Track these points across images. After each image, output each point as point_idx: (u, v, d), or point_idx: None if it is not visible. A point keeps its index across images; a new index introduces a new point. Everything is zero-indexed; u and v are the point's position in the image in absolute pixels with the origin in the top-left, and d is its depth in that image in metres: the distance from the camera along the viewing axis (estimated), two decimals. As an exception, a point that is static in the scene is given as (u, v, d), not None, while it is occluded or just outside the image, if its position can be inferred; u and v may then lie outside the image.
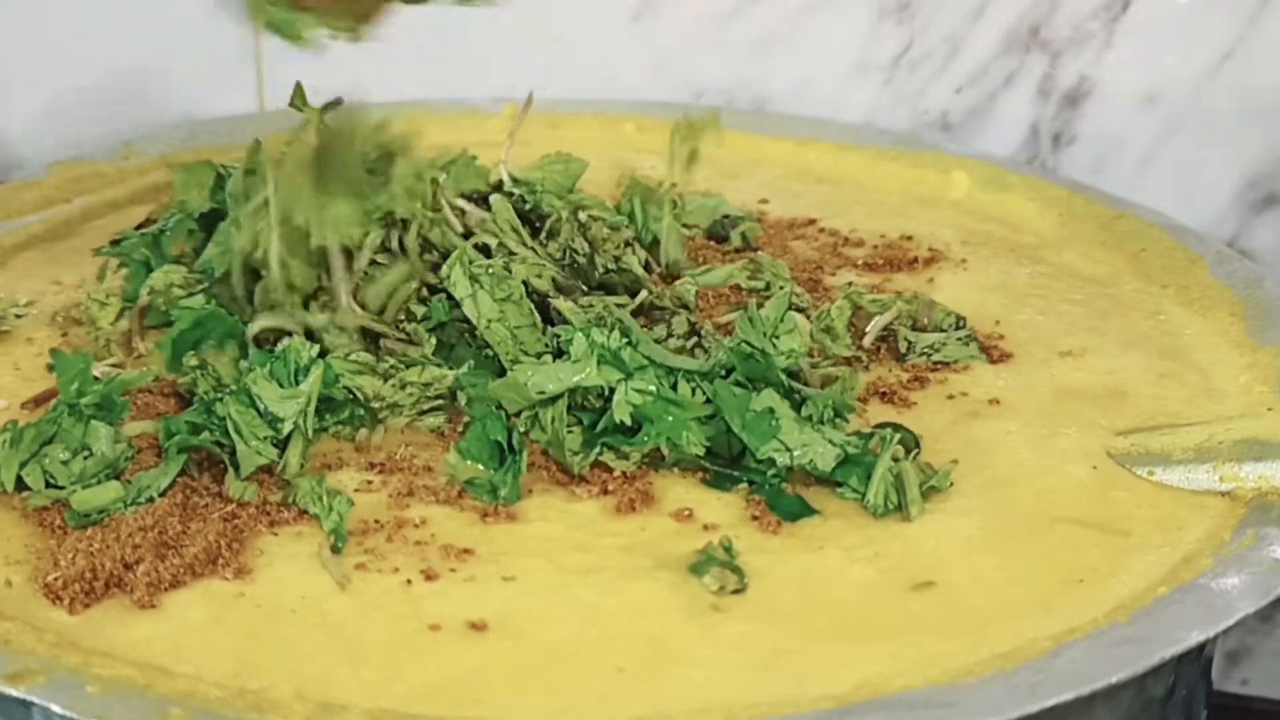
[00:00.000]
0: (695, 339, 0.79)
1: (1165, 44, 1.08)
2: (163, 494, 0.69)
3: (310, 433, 0.72)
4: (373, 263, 0.80)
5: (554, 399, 0.72)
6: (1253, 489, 0.72)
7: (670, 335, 0.79)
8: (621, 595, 0.65)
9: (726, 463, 0.72)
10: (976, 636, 0.63)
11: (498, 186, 0.88)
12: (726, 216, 0.96)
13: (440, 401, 0.76)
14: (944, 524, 0.70)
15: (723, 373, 0.73)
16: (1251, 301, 0.88)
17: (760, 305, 0.75)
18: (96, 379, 0.72)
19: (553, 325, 0.78)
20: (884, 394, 0.79)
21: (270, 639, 0.62)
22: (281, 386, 0.72)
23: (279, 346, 0.74)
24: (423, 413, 0.76)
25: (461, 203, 0.83)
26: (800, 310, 0.84)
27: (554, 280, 0.80)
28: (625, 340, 0.72)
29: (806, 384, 0.75)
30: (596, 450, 0.72)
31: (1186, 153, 1.09)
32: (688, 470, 0.73)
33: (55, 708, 0.57)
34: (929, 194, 1.05)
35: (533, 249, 0.82)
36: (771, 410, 0.70)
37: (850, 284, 0.88)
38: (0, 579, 0.65)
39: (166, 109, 1.14)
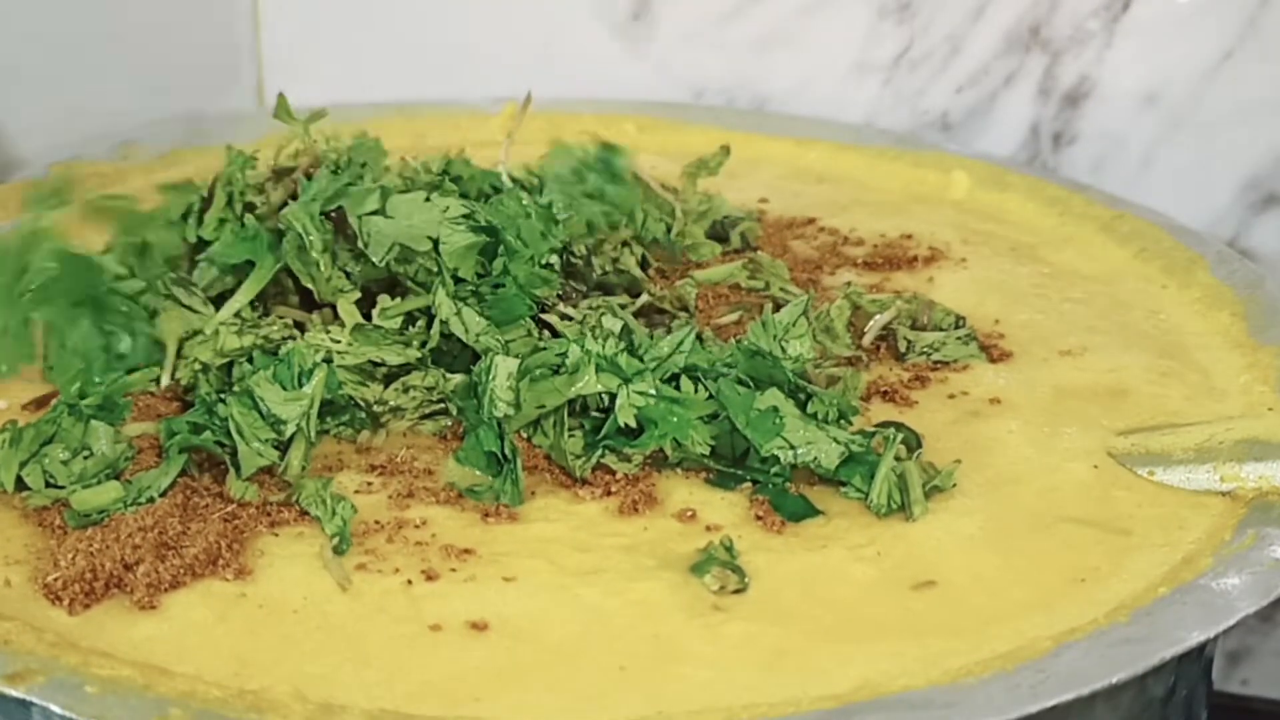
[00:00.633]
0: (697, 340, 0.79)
1: (1165, 44, 1.08)
2: (163, 494, 0.69)
3: (313, 435, 0.72)
4: None
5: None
6: (1253, 489, 0.72)
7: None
8: (623, 595, 0.65)
9: (730, 462, 0.72)
10: (978, 636, 0.63)
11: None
12: (726, 217, 0.96)
13: (443, 405, 0.76)
14: (945, 523, 0.70)
15: (724, 370, 0.73)
16: (1252, 301, 0.88)
17: (761, 307, 0.75)
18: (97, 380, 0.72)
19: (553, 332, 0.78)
20: (885, 393, 0.79)
21: (271, 639, 0.62)
22: (284, 389, 0.72)
23: (281, 349, 0.74)
24: (425, 416, 0.76)
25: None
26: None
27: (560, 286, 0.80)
28: (622, 346, 0.72)
29: (810, 384, 0.75)
30: (598, 453, 0.72)
31: (1186, 153, 1.09)
32: (691, 471, 0.73)
33: (55, 708, 0.57)
34: (929, 194, 1.05)
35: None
36: (776, 409, 0.71)
37: (849, 283, 0.88)
38: (0, 579, 0.65)
39: (166, 109, 1.14)
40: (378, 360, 0.76)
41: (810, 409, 0.72)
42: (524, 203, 0.80)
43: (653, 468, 0.73)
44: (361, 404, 0.75)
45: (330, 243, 0.78)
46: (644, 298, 0.82)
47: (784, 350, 0.74)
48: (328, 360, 0.74)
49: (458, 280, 0.77)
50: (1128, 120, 1.10)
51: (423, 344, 0.76)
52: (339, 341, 0.75)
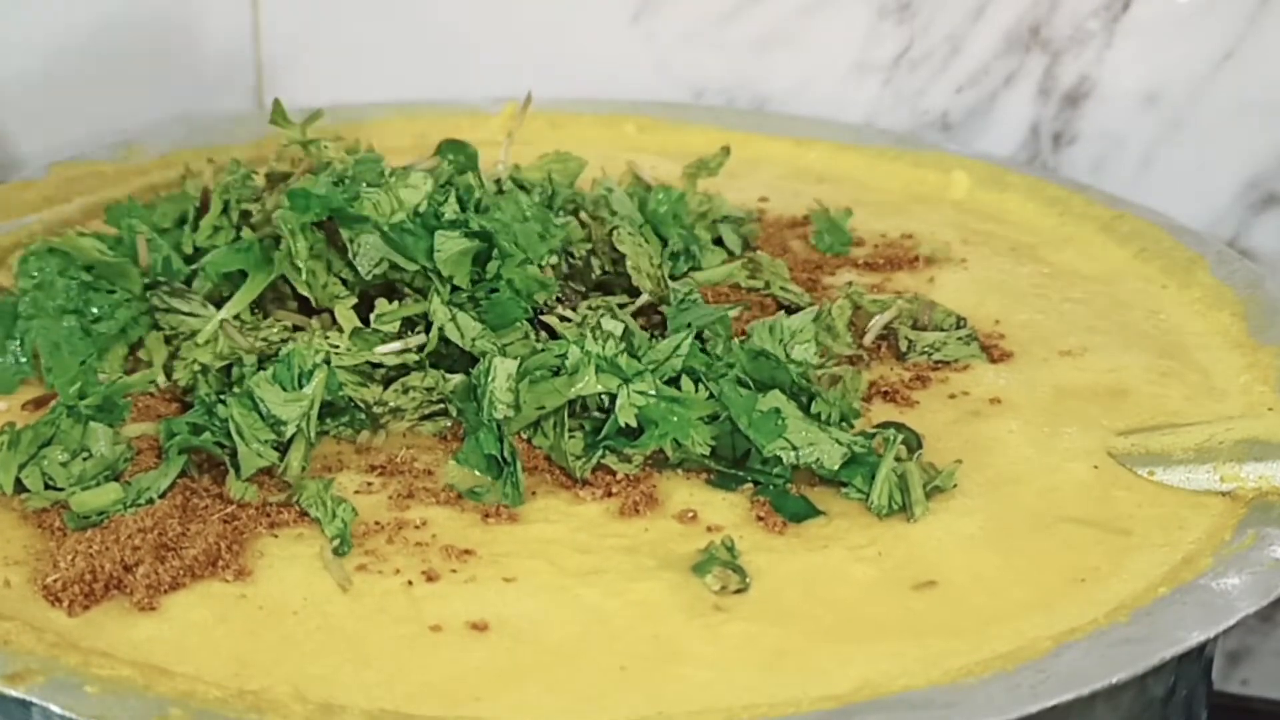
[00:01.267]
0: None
1: (1165, 44, 1.08)
2: (162, 495, 0.69)
3: (313, 436, 0.72)
4: None
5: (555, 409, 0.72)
6: (1253, 489, 0.72)
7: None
8: (623, 595, 0.65)
9: (730, 463, 0.72)
10: (978, 636, 0.63)
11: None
12: (726, 217, 0.96)
13: (442, 405, 0.76)
14: (946, 523, 0.70)
15: (725, 371, 0.73)
16: (1252, 301, 0.88)
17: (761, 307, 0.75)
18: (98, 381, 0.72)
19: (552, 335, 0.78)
20: (886, 393, 0.79)
21: (272, 640, 0.62)
22: (284, 390, 0.72)
23: (281, 350, 0.74)
24: (424, 417, 0.76)
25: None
26: (799, 310, 0.84)
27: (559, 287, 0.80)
28: (622, 347, 0.72)
29: (812, 384, 0.75)
30: (599, 454, 0.72)
31: (1186, 153, 1.09)
32: (691, 472, 0.73)
33: (55, 708, 0.57)
34: (929, 194, 1.05)
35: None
36: (778, 410, 0.71)
37: (850, 283, 0.88)
38: (0, 580, 0.65)
39: (166, 109, 1.14)
40: (376, 362, 0.76)
41: (814, 409, 0.72)
42: (522, 205, 0.80)
43: (653, 469, 0.73)
44: (361, 405, 0.75)
45: (323, 250, 0.78)
46: (644, 298, 0.82)
47: (788, 354, 0.74)
48: (327, 361, 0.74)
49: (453, 288, 0.77)
50: (1128, 120, 1.10)
51: (420, 348, 0.76)
52: (337, 347, 0.75)
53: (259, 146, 1.01)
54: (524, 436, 0.74)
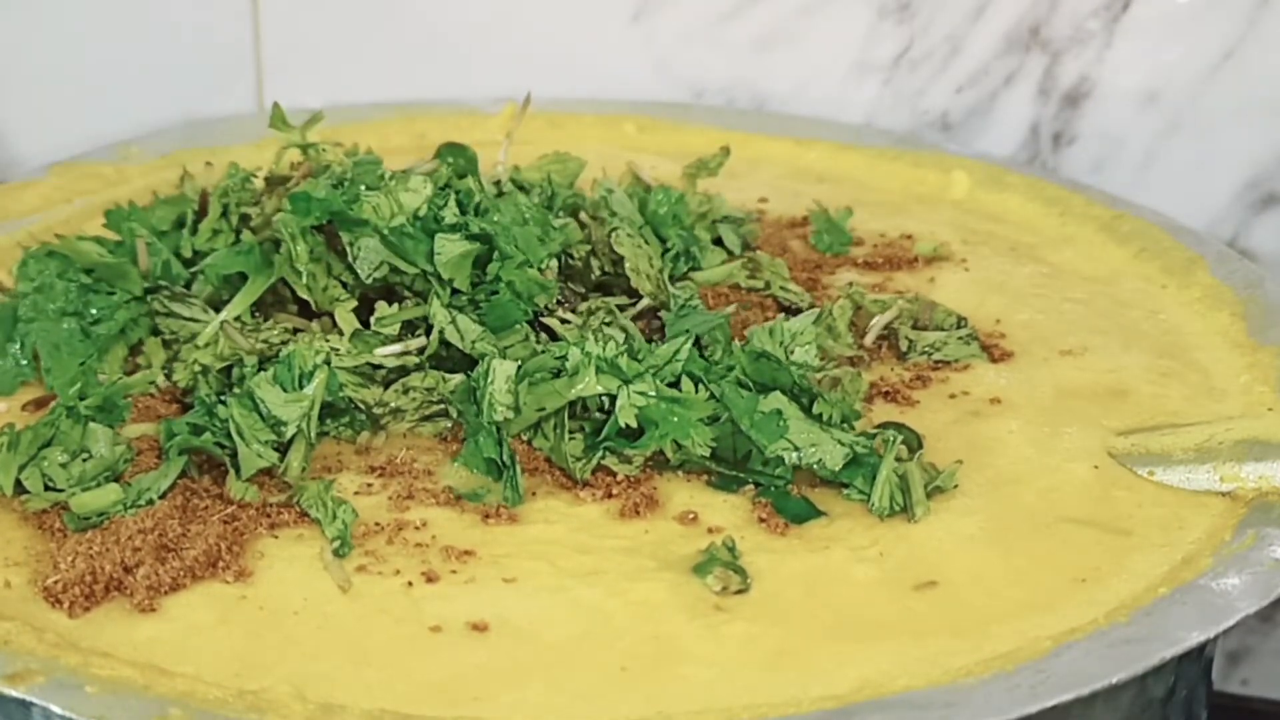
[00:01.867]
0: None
1: (1165, 44, 1.08)
2: (163, 496, 0.69)
3: (313, 436, 0.72)
4: None
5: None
6: (1253, 489, 0.72)
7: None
8: (624, 596, 0.65)
9: (731, 465, 0.72)
10: (978, 636, 0.63)
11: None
12: (726, 217, 0.96)
13: (442, 406, 0.76)
14: (947, 523, 0.70)
15: (725, 372, 0.73)
16: (1252, 301, 0.88)
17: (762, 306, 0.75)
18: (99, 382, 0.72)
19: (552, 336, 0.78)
20: (887, 393, 0.79)
21: (272, 641, 0.62)
22: (285, 391, 0.72)
23: (282, 351, 0.74)
24: (425, 418, 0.76)
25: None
26: (799, 310, 0.84)
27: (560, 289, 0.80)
28: (622, 348, 0.72)
29: (813, 386, 0.75)
30: (599, 455, 0.72)
31: (1186, 153, 1.09)
32: (692, 473, 0.73)
33: (55, 708, 0.57)
34: (929, 194, 1.05)
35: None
36: (779, 411, 0.71)
37: (851, 284, 0.88)
38: (0, 580, 0.65)
39: (166, 109, 1.14)
40: (377, 363, 0.76)
41: (816, 409, 0.72)
42: (521, 208, 0.80)
43: (654, 470, 0.73)
44: (361, 406, 0.75)
45: (323, 253, 0.78)
46: (644, 301, 0.82)
47: (788, 356, 0.74)
48: (327, 362, 0.74)
49: (453, 290, 0.77)
50: (1127, 120, 1.10)
51: (420, 351, 0.76)
52: (338, 349, 0.75)
53: (259, 148, 1.01)
54: (524, 438, 0.74)
